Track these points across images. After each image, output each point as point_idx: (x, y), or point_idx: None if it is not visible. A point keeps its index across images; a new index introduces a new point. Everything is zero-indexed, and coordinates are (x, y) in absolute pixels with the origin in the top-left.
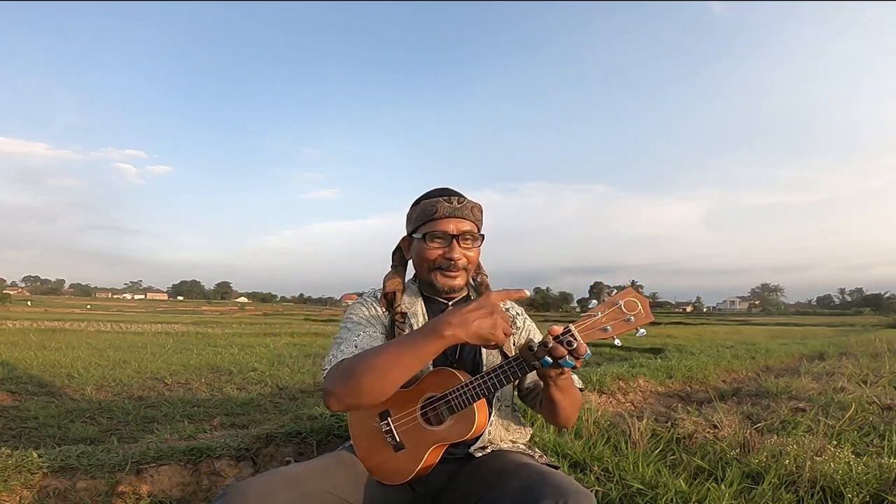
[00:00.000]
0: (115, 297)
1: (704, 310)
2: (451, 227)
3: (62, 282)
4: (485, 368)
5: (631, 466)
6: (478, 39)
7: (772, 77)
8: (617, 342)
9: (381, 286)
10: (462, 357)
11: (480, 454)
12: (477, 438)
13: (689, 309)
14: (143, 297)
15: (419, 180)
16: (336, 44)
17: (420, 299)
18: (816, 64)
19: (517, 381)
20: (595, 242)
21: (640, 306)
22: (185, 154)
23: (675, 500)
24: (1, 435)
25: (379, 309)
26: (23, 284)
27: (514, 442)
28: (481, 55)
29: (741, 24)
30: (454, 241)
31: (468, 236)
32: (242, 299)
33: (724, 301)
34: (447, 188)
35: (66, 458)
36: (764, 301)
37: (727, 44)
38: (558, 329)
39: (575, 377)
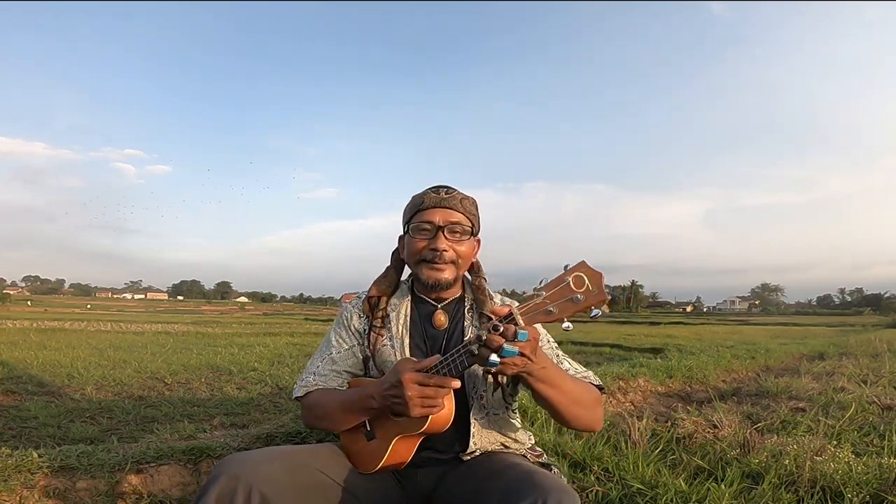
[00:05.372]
0: (115, 296)
1: (704, 310)
2: (437, 217)
3: (62, 281)
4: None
5: (631, 466)
6: (478, 40)
7: (772, 77)
8: (566, 325)
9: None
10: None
11: (469, 458)
12: (465, 445)
13: (689, 309)
14: (143, 296)
15: (419, 180)
16: (336, 44)
17: (408, 300)
18: (816, 64)
19: (508, 388)
20: (595, 242)
21: (587, 282)
22: (185, 154)
23: (675, 500)
24: (1, 435)
25: (361, 317)
26: (23, 284)
27: (506, 447)
28: (482, 56)
29: (741, 24)
30: (440, 232)
31: (457, 228)
32: (242, 299)
33: (724, 301)
34: (441, 184)
35: (66, 457)
36: (764, 301)
37: (727, 44)
38: (502, 310)
39: (589, 373)
